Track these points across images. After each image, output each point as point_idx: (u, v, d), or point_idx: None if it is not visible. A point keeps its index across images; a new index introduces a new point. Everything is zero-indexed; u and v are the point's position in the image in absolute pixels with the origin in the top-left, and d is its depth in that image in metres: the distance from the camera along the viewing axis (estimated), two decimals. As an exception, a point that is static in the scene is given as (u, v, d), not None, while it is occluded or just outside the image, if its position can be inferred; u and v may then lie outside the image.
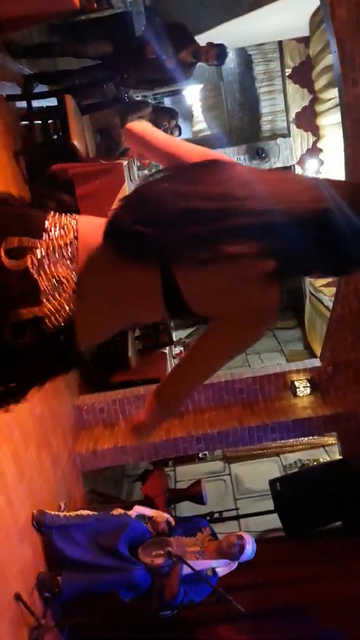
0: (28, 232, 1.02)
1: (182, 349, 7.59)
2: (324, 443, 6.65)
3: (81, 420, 4.58)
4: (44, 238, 1.02)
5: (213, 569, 3.44)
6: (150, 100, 5.81)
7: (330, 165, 6.97)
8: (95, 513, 3.61)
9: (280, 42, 7.04)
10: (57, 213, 1.10)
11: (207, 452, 6.51)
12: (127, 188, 3.77)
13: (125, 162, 3.89)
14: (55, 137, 4.17)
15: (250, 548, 3.45)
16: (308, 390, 4.69)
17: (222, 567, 3.46)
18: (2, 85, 3.71)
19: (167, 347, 6.04)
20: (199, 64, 4.27)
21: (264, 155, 7.22)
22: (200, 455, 6.55)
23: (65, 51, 4.08)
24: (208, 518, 4.93)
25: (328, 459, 6.35)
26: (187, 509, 5.41)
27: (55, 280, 1.00)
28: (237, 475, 6.58)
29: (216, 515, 5.40)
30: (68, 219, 1.08)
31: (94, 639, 3.57)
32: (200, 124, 8.50)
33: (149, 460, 5.19)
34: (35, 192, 3.92)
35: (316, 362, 4.87)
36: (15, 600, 2.80)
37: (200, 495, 4.95)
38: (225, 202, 0.98)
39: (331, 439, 6.46)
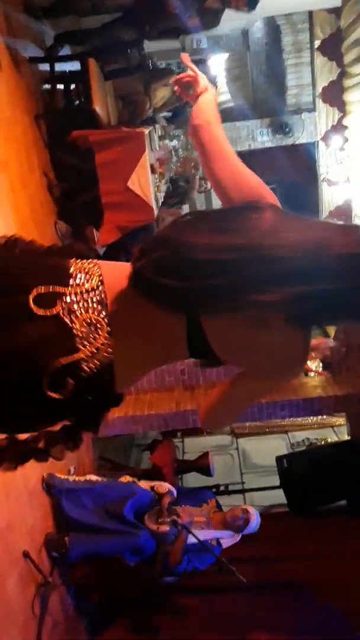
0: (55, 279, 1.03)
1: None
2: (332, 423, 6.67)
3: (93, 388, 4.63)
4: (70, 284, 1.03)
5: (217, 540, 3.50)
6: (174, 69, 5.69)
7: (355, 143, 6.81)
8: (104, 479, 3.68)
9: (310, 13, 6.81)
10: (79, 259, 1.10)
11: (215, 426, 6.56)
12: (148, 157, 3.73)
13: (146, 131, 3.84)
14: (77, 102, 4.12)
15: (254, 522, 3.50)
16: (320, 370, 4.68)
17: (226, 539, 3.52)
18: (26, 46, 3.65)
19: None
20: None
21: (288, 130, 7.07)
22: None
23: (82, 7, 3.88)
24: (214, 490, 5.00)
25: (336, 439, 6.38)
26: (193, 480, 5.48)
27: (88, 324, 1.01)
28: (244, 450, 6.64)
29: (222, 488, 5.47)
30: (90, 264, 1.09)
31: (98, 599, 3.67)
32: (224, 94, 8.32)
33: (158, 431, 5.25)
34: (55, 158, 3.90)
35: (330, 343, 4.84)
36: (24, 558, 2.88)
37: (208, 467, 5.00)
38: (250, 252, 0.97)
39: (340, 420, 6.48)
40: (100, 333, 1.01)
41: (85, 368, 1.00)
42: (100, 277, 1.06)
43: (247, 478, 6.07)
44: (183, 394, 4.59)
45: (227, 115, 7.44)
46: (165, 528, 3.34)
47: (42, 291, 1.01)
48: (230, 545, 3.58)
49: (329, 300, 0.97)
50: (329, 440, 6.41)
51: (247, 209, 1.05)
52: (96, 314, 1.02)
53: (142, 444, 6.22)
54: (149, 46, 4.62)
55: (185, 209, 6.23)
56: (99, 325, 1.01)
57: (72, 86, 4.09)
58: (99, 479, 3.68)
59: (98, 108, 3.69)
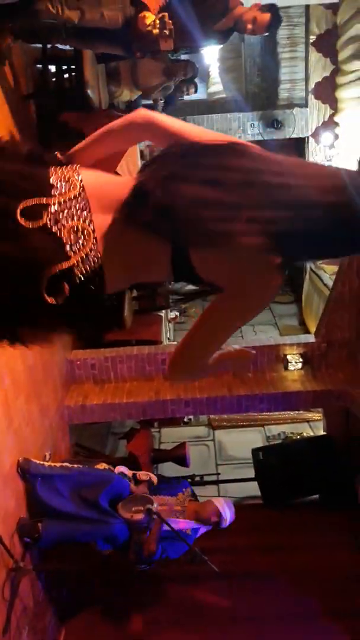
0: (39, 190, 1.06)
1: (177, 313, 7.60)
2: (308, 418, 6.74)
3: (72, 374, 4.60)
4: (53, 193, 1.06)
5: (191, 528, 3.51)
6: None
7: (345, 140, 6.84)
8: (79, 466, 3.66)
9: (307, 7, 6.79)
10: (58, 167, 1.13)
11: (192, 417, 6.59)
12: (138, 143, 3.69)
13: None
14: (69, 84, 4.06)
15: (227, 522, 3.52)
16: (300, 365, 4.71)
17: (200, 527, 3.54)
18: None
19: (163, 311, 6.04)
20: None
21: (279, 126, 7.06)
22: (185, 419, 6.64)
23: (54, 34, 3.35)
24: (189, 480, 5.02)
25: (312, 433, 6.45)
26: (169, 469, 5.50)
27: (75, 231, 1.05)
28: (220, 442, 6.68)
29: (197, 478, 5.50)
30: (70, 171, 1.11)
31: (69, 585, 3.67)
32: (217, 85, 8.26)
33: (136, 419, 5.25)
34: (44, 140, 3.83)
35: (310, 338, 4.88)
36: (-4, 542, 2.86)
37: (184, 457, 5.02)
38: (244, 195, 1.00)
39: (316, 415, 6.55)
40: (88, 239, 1.05)
41: (78, 273, 1.04)
42: (82, 183, 1.08)
43: (223, 469, 6.12)
44: (163, 384, 4.59)
45: (218, 106, 7.40)
46: (140, 516, 3.34)
47: (28, 204, 1.03)
48: (204, 532, 3.60)
49: (316, 244, 1.02)
50: (305, 434, 6.49)
51: (238, 146, 1.07)
52: (82, 220, 1.05)
53: (118, 432, 6.21)
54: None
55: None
56: (85, 232, 1.05)
57: (65, 67, 4.02)
58: (75, 465, 3.67)
59: (90, 90, 3.63)
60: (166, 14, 2.98)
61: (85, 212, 1.06)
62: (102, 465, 3.70)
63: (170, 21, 2.98)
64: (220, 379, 4.61)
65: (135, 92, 4.69)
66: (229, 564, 3.75)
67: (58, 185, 1.07)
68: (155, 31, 2.98)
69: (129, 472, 3.70)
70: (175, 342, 6.35)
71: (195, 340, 1.16)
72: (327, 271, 6.84)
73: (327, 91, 6.98)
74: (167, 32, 2.97)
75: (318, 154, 7.11)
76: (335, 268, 5.02)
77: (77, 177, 1.09)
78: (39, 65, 3.84)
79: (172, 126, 1.14)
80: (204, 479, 5.61)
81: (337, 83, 6.87)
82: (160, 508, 3.35)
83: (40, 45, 3.71)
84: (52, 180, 1.08)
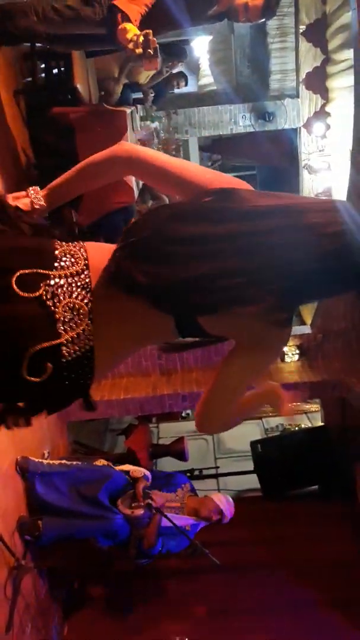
0: (39, 262, 1.01)
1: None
2: (306, 409, 6.76)
3: (69, 371, 4.58)
4: (55, 266, 1.01)
5: (191, 524, 3.52)
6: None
7: (337, 130, 6.81)
8: (78, 463, 3.66)
9: (296, -4, 6.76)
10: (64, 241, 1.08)
11: (190, 411, 6.60)
12: (129, 137, 3.66)
13: (128, 110, 3.76)
14: (58, 79, 4.02)
15: (227, 518, 3.53)
16: (296, 357, 4.71)
17: (200, 523, 3.55)
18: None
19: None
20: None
21: (271, 117, 7.02)
22: (183, 414, 6.64)
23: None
24: (188, 474, 5.03)
25: (309, 425, 6.47)
26: (168, 464, 5.51)
27: (70, 309, 0.99)
28: (218, 435, 6.69)
29: (196, 472, 5.51)
30: (76, 247, 1.06)
31: (71, 581, 3.67)
32: (207, 78, 8.23)
33: (134, 415, 5.25)
34: (34, 136, 3.80)
35: (306, 329, 4.88)
36: (-4, 541, 2.86)
37: (183, 452, 5.02)
38: (244, 260, 0.97)
39: (314, 406, 6.56)
40: (82, 319, 0.99)
41: (65, 353, 0.98)
42: (86, 261, 1.03)
43: (222, 463, 6.13)
44: (160, 379, 4.59)
45: (209, 98, 7.36)
46: (140, 512, 3.34)
47: (26, 272, 0.98)
48: (203, 526, 3.60)
49: (319, 291, 1.03)
50: (302, 426, 6.50)
51: (223, 194, 1.04)
52: (80, 299, 1.00)
53: (116, 429, 6.21)
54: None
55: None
56: (81, 311, 0.99)
57: (54, 62, 3.98)
58: (74, 462, 3.66)
59: (79, 85, 3.60)
60: (150, 31, 2.68)
61: (85, 292, 1.01)
62: (101, 462, 3.70)
63: (154, 37, 2.66)
64: (215, 372, 4.60)
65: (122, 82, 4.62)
66: (230, 557, 3.76)
67: (62, 259, 1.02)
68: (139, 50, 2.69)
69: (127, 467, 3.69)
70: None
71: (216, 396, 1.13)
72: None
73: (318, 81, 6.94)
74: (151, 51, 2.67)
75: (310, 144, 7.08)
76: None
77: (82, 253, 1.05)
78: (28, 60, 3.80)
79: (156, 161, 1.11)
80: (203, 472, 5.62)
81: (328, 73, 6.83)
82: (159, 503, 3.35)
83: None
84: (56, 252, 1.03)
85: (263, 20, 3.14)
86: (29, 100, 3.72)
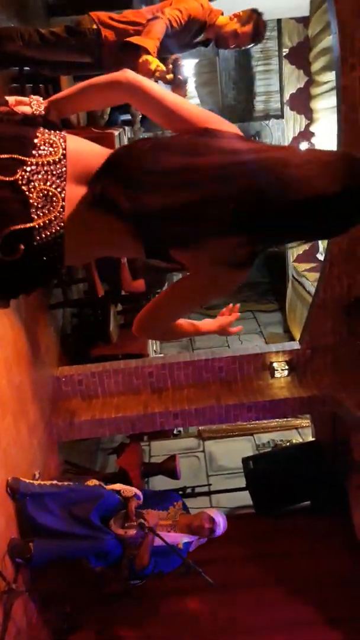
0: (18, 148, 1.05)
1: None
2: (297, 425, 6.77)
3: (59, 391, 4.57)
4: (33, 154, 1.05)
5: (184, 543, 3.50)
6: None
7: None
8: (70, 483, 3.64)
9: (279, 21, 6.93)
10: (46, 129, 1.12)
11: (181, 429, 6.58)
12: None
13: (116, 132, 3.83)
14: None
15: (220, 530, 3.52)
16: (286, 372, 4.73)
17: (194, 541, 3.53)
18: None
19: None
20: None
21: (257, 138, 7.16)
22: (174, 431, 6.62)
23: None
24: (180, 492, 5.01)
25: (300, 440, 6.47)
26: (160, 483, 5.48)
27: (44, 195, 1.04)
28: (210, 453, 6.67)
29: (189, 490, 5.48)
30: (57, 137, 1.10)
31: (63, 605, 3.62)
32: (194, 99, 8.37)
33: (125, 434, 5.23)
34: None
35: (295, 345, 4.91)
36: (-13, 565, 2.82)
37: (174, 470, 5.01)
38: (217, 190, 1.02)
39: (304, 421, 6.58)
40: (55, 206, 1.04)
41: (37, 237, 1.03)
42: (64, 151, 1.08)
43: (214, 480, 6.10)
44: (150, 397, 4.59)
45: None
46: (132, 532, 3.32)
47: (4, 157, 1.02)
48: (197, 546, 3.59)
49: (285, 233, 1.08)
50: (294, 441, 6.51)
51: (208, 134, 1.11)
52: (54, 187, 1.05)
53: (107, 448, 6.18)
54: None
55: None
56: (55, 199, 1.04)
57: (41, 85, 4.04)
58: (65, 483, 3.64)
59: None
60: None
61: (59, 180, 1.05)
62: (92, 482, 3.68)
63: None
64: (208, 390, 4.62)
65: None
66: (223, 575, 3.73)
67: (41, 147, 1.06)
68: (170, 77, 2.72)
69: (117, 487, 3.68)
70: (161, 355, 6.35)
71: (162, 309, 1.21)
72: (309, 278, 6.91)
73: (302, 102, 7.10)
74: (181, 77, 2.81)
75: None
76: (317, 275, 5.08)
77: (61, 143, 1.09)
78: (16, 84, 3.86)
79: (154, 91, 1.15)
80: (195, 490, 5.59)
81: (312, 94, 7.00)
82: (151, 522, 3.34)
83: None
84: (36, 141, 1.07)
85: (252, 45, 3.15)
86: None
